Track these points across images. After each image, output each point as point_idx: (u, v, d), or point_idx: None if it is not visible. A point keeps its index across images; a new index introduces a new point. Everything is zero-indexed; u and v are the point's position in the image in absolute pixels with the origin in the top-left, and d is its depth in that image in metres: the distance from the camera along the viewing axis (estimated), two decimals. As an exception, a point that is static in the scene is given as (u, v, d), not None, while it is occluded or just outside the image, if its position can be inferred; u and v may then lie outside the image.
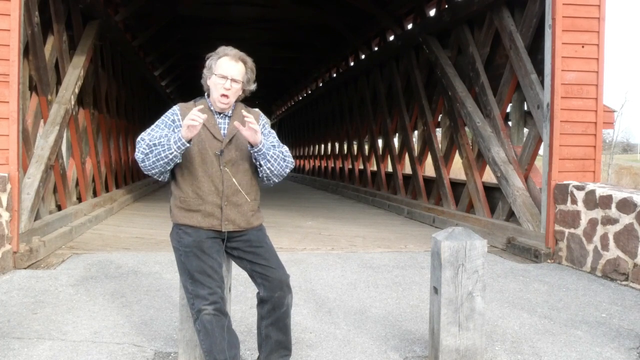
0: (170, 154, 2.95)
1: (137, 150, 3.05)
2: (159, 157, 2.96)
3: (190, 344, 3.35)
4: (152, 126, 3.14)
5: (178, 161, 3.02)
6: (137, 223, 10.05)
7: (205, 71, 3.16)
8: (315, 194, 18.66)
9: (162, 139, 2.98)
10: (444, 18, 10.42)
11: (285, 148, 3.21)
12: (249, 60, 3.17)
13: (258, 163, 3.11)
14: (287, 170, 3.19)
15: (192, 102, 3.21)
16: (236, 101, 3.21)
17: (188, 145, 2.96)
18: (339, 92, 19.06)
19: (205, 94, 3.22)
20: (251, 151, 3.09)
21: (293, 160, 3.25)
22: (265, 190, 3.29)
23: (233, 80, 3.08)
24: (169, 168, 3.04)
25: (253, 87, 3.21)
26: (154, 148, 2.97)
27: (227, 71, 3.07)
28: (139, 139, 3.08)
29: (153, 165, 2.98)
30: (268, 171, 3.12)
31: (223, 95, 3.08)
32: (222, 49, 3.14)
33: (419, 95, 11.82)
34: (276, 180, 3.18)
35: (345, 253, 7.26)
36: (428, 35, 11.13)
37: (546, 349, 3.90)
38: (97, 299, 4.87)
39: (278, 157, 3.12)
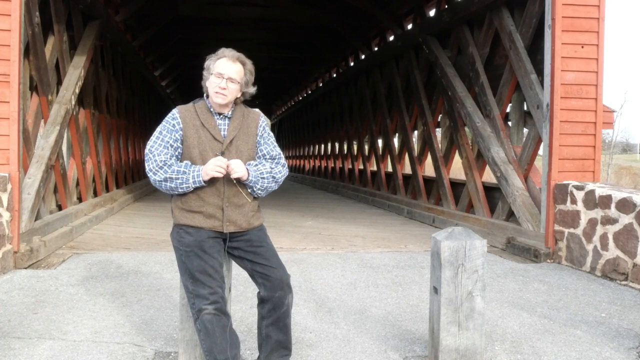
0: (187, 188, 3.07)
1: (148, 168, 3.10)
2: (176, 187, 3.07)
3: (190, 343, 3.36)
4: (156, 134, 3.14)
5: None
6: (137, 223, 10.06)
7: (204, 72, 3.16)
8: (315, 194, 18.67)
9: (179, 175, 3.04)
10: (444, 18, 10.42)
11: (278, 168, 3.22)
12: (248, 62, 3.16)
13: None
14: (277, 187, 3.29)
15: (191, 104, 3.22)
16: (236, 103, 3.22)
17: (205, 185, 3.07)
18: (339, 92, 19.07)
19: (205, 95, 3.22)
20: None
21: (287, 172, 3.32)
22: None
23: (229, 79, 3.08)
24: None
25: (252, 90, 3.21)
26: (170, 182, 3.06)
27: (224, 70, 3.07)
28: (147, 150, 3.11)
29: (168, 189, 3.08)
30: (255, 193, 3.19)
31: (218, 93, 3.08)
32: (222, 51, 3.14)
33: (419, 95, 11.82)
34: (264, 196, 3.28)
35: (345, 253, 7.27)
36: (428, 35, 11.13)
37: (546, 349, 3.91)
38: (97, 299, 4.88)
39: (266, 186, 3.18)
